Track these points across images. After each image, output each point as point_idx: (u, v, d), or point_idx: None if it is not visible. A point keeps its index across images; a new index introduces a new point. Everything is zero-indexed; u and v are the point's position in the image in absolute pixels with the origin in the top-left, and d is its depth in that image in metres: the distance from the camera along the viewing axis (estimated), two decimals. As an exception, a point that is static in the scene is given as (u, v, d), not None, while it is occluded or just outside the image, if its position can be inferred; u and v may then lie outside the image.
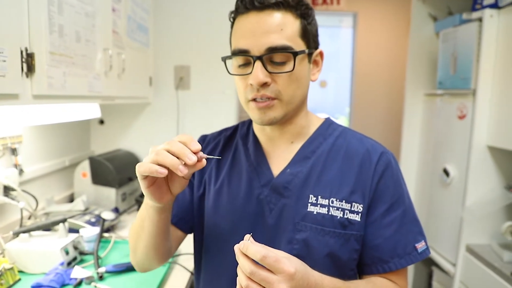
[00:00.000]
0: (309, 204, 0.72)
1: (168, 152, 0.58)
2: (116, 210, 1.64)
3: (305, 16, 0.71)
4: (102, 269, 1.14)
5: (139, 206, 1.75)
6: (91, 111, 1.51)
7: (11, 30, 0.85)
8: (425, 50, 2.30)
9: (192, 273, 1.22)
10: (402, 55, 3.18)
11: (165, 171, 0.58)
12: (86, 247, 1.29)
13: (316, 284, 0.59)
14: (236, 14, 0.73)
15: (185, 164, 0.58)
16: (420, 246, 0.74)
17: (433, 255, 2.09)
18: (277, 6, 0.68)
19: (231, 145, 0.86)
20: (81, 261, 1.23)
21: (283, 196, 0.75)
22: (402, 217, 0.73)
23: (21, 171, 1.38)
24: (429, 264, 2.23)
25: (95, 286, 1.07)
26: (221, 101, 1.98)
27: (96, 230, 1.33)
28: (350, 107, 3.51)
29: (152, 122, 2.02)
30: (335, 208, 0.71)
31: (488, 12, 1.70)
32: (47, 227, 1.23)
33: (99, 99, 1.36)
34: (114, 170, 1.68)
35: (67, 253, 1.17)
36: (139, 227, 0.76)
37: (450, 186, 1.97)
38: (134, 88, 1.69)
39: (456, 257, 1.87)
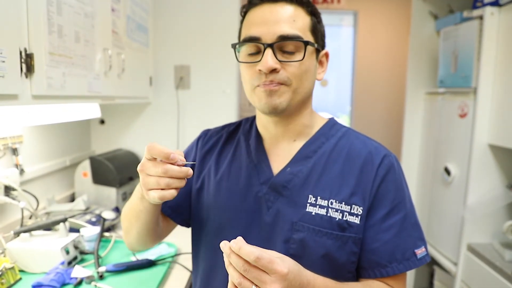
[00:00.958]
0: (308, 205, 0.72)
1: (167, 175, 0.60)
2: (116, 209, 1.64)
3: (315, 14, 0.74)
4: (102, 269, 1.14)
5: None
6: (91, 111, 1.51)
7: (10, 31, 0.85)
8: (426, 48, 2.29)
9: (192, 272, 1.23)
10: (402, 54, 3.17)
11: (175, 193, 0.62)
12: (87, 246, 1.29)
13: (309, 283, 0.59)
14: (249, 7, 0.74)
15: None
16: (420, 252, 0.73)
17: (435, 254, 2.09)
18: (290, 0, 0.71)
19: (233, 140, 0.86)
20: (82, 261, 1.24)
21: (281, 195, 0.74)
22: (402, 222, 0.72)
23: (22, 171, 1.38)
24: (431, 263, 2.23)
25: (96, 286, 1.08)
26: (222, 101, 1.98)
27: (97, 229, 1.34)
28: (351, 106, 3.50)
29: (153, 121, 2.02)
30: (334, 210, 0.70)
31: (489, 10, 1.69)
32: (48, 227, 1.23)
33: (99, 99, 1.36)
34: (114, 170, 1.69)
35: (67, 252, 1.18)
36: (132, 214, 0.78)
37: (451, 185, 1.97)
38: (134, 88, 1.70)
39: (457, 256, 1.87)
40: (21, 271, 1.13)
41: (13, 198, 1.27)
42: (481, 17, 1.74)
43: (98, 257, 1.21)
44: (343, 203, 0.71)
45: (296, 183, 0.74)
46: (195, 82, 1.98)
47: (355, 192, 0.71)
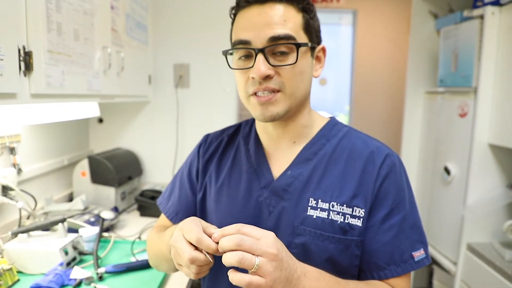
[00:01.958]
0: (309, 208, 0.70)
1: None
2: (115, 209, 1.63)
3: (307, 10, 0.70)
4: (101, 270, 1.13)
5: (139, 205, 1.74)
6: (90, 109, 1.50)
7: (9, 28, 0.83)
8: (426, 47, 2.29)
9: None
10: (402, 53, 3.17)
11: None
12: (86, 247, 1.28)
13: (297, 268, 0.60)
14: (237, 9, 0.71)
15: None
16: (418, 254, 0.71)
17: (434, 253, 2.09)
18: (279, 0, 0.67)
19: (233, 145, 0.85)
20: (81, 261, 1.22)
21: (282, 199, 0.73)
22: (401, 223, 0.70)
23: (19, 171, 1.36)
24: (430, 262, 2.23)
25: (95, 287, 1.06)
26: (221, 99, 1.97)
27: (96, 229, 1.32)
28: (350, 105, 3.50)
29: (152, 120, 2.00)
30: (336, 213, 0.69)
31: (489, 9, 1.69)
32: (46, 227, 1.21)
33: (98, 98, 1.35)
34: (113, 169, 1.67)
35: (66, 253, 1.16)
36: (161, 257, 0.79)
37: (451, 185, 1.96)
38: (133, 86, 1.68)
39: (457, 256, 1.87)
40: (19, 272, 1.12)
41: (11, 198, 1.26)
42: (481, 17, 1.74)
43: (97, 258, 1.20)
44: (345, 205, 0.69)
45: (297, 186, 0.72)
46: (195, 81, 1.97)
47: (356, 194, 0.70)
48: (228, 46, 0.74)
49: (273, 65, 0.66)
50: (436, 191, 2.13)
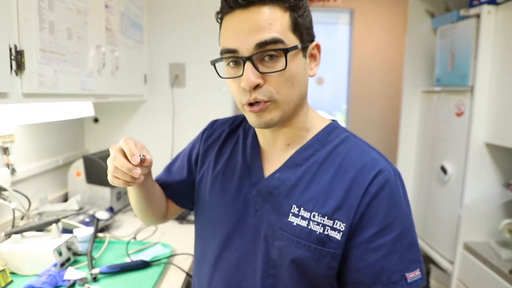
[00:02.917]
0: (290, 214, 0.69)
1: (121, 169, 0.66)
2: (110, 209, 1.62)
3: (295, 8, 0.66)
4: (96, 270, 1.12)
5: (135, 206, 1.73)
6: (85, 109, 1.48)
7: (0, 27, 0.82)
8: (423, 46, 2.29)
9: (187, 274, 1.21)
10: (399, 52, 3.17)
11: (123, 184, 0.69)
12: (80, 247, 1.26)
13: None
14: (222, 14, 0.69)
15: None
16: (412, 275, 0.66)
17: (431, 253, 2.09)
18: (262, 1, 0.63)
19: (234, 137, 0.85)
20: (75, 262, 1.21)
21: (267, 200, 0.72)
22: (393, 243, 0.65)
23: (13, 171, 1.35)
24: (427, 262, 2.23)
25: (89, 288, 1.05)
26: (217, 99, 1.96)
27: (90, 230, 1.31)
28: (347, 104, 3.50)
29: (147, 120, 1.99)
30: (316, 223, 0.67)
31: (486, 8, 1.69)
32: (40, 228, 1.20)
33: (92, 97, 1.34)
34: (108, 169, 1.66)
35: (60, 254, 1.15)
36: (129, 194, 0.86)
37: (447, 184, 1.96)
38: (128, 86, 1.67)
39: (453, 255, 1.87)
40: (12, 273, 1.11)
41: (4, 199, 1.24)
42: (478, 16, 1.74)
43: (91, 259, 1.19)
44: (326, 217, 0.66)
45: (282, 190, 0.71)
46: (191, 80, 1.96)
47: (340, 207, 0.66)
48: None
49: (262, 72, 0.64)
50: (432, 190, 2.13)
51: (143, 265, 1.20)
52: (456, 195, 1.87)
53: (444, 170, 1.97)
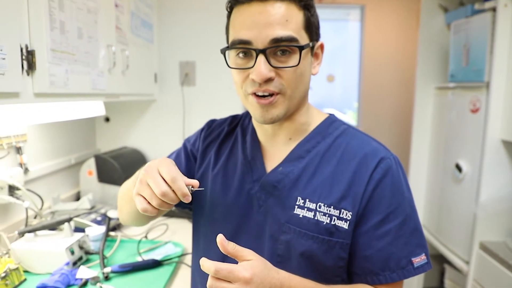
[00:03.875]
0: (296, 207, 0.69)
1: (163, 199, 0.60)
2: (122, 208, 1.62)
3: (308, 7, 0.68)
4: (107, 269, 1.12)
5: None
6: (96, 109, 1.49)
7: (11, 27, 0.82)
8: (436, 42, 2.24)
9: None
10: (411, 48, 3.11)
11: (156, 212, 0.62)
12: (92, 246, 1.27)
13: (282, 284, 0.60)
14: (235, 3, 0.69)
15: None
16: (418, 260, 0.68)
17: (446, 252, 2.05)
18: None
19: (232, 135, 0.85)
20: (87, 261, 1.22)
21: (272, 194, 0.72)
22: (398, 229, 0.67)
23: (26, 170, 1.37)
24: (442, 261, 2.19)
25: (101, 287, 1.06)
26: (227, 97, 1.96)
27: (102, 229, 1.32)
28: (358, 102, 3.45)
29: (158, 119, 2.00)
30: (322, 214, 0.67)
31: (502, 1, 1.64)
32: (53, 227, 1.21)
33: (103, 97, 1.34)
34: (120, 168, 1.67)
35: (72, 253, 1.16)
36: (126, 197, 0.81)
37: (462, 182, 1.92)
38: (139, 85, 1.67)
39: (469, 255, 1.83)
40: (25, 271, 1.12)
41: (17, 198, 1.26)
42: (493, 9, 1.69)
43: (103, 258, 1.19)
44: (332, 207, 0.67)
45: (286, 183, 0.71)
46: (201, 79, 1.96)
47: (345, 196, 0.68)
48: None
49: (274, 67, 0.64)
50: (447, 189, 2.08)
51: (155, 264, 1.20)
52: (472, 194, 1.83)
53: (459, 168, 1.92)
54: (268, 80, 0.65)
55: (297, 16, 0.65)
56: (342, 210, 0.67)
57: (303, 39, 0.66)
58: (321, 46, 0.74)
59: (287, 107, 0.68)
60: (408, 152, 2.41)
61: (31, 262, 1.13)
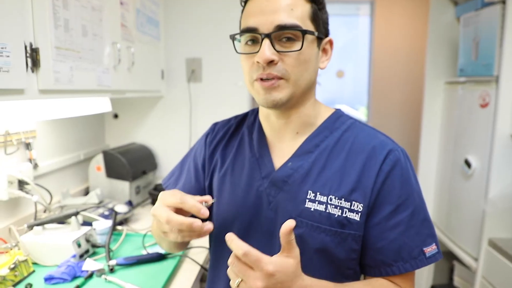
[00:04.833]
0: (307, 200, 0.70)
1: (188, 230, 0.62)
2: (129, 203, 1.65)
3: (316, 1, 0.70)
4: (113, 262, 1.15)
5: (153, 200, 1.77)
6: (102, 105, 1.52)
7: (15, 25, 0.85)
8: (446, 36, 2.20)
9: (201, 266, 1.22)
10: (421, 42, 3.06)
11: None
12: (99, 240, 1.30)
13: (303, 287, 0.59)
14: None
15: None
16: (430, 250, 0.69)
17: (454, 249, 2.03)
18: None
19: (238, 133, 0.85)
20: (93, 254, 1.25)
21: (282, 190, 0.73)
22: (409, 219, 0.69)
23: (35, 166, 1.40)
24: (451, 258, 2.16)
25: (106, 279, 1.08)
26: (234, 93, 1.96)
27: (109, 223, 1.35)
28: (368, 97, 3.42)
29: (165, 115, 2.02)
30: (333, 206, 0.68)
31: (512, -7, 1.60)
32: (60, 220, 1.25)
33: (109, 93, 1.37)
34: (127, 164, 1.70)
35: (79, 245, 1.19)
36: (159, 235, 0.79)
37: (472, 178, 1.89)
38: (145, 81, 1.70)
39: (478, 252, 1.80)
40: (34, 263, 1.15)
41: (27, 192, 1.29)
42: (503, 2, 1.65)
43: (109, 251, 1.22)
44: (343, 199, 0.69)
45: (296, 178, 0.72)
46: (207, 75, 1.97)
47: (356, 188, 0.69)
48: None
49: (278, 51, 0.66)
50: (456, 185, 2.05)
51: (159, 257, 1.22)
52: (481, 190, 1.80)
53: (468, 163, 1.90)
54: (271, 63, 0.66)
55: (303, 6, 0.68)
56: (353, 202, 0.68)
57: (309, 28, 0.68)
58: (330, 42, 0.75)
59: (291, 92, 0.69)
60: (418, 148, 2.38)
61: (39, 255, 1.17)
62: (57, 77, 1.01)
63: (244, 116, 0.88)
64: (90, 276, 1.10)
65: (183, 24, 1.93)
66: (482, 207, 1.77)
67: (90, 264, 1.14)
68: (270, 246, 0.71)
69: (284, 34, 0.66)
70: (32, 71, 0.92)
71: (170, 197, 0.63)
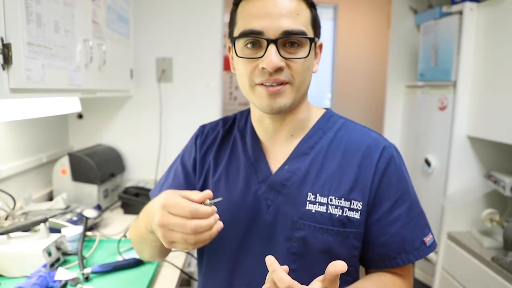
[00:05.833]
0: (307, 202, 0.70)
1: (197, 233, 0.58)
2: (98, 207, 1.58)
3: (314, 6, 0.71)
4: (87, 270, 1.09)
5: (122, 203, 1.70)
6: (71, 105, 1.44)
7: (-14, 19, 0.79)
8: (406, 42, 2.33)
9: (181, 271, 1.20)
10: (383, 47, 3.22)
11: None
12: (70, 247, 1.23)
13: None
14: None
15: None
16: (428, 239, 0.73)
17: (415, 243, 2.14)
18: None
19: (229, 138, 0.83)
20: (65, 262, 1.18)
21: (280, 193, 0.73)
22: (408, 212, 0.72)
23: (-4, 170, 1.30)
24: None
25: (82, 288, 1.03)
26: (205, 94, 1.94)
27: (79, 229, 1.28)
28: (331, 100, 3.53)
29: (134, 115, 1.96)
30: (334, 206, 0.70)
31: (468, 5, 1.73)
32: (27, 228, 1.17)
33: (79, 93, 1.30)
34: (95, 166, 1.62)
35: (49, 254, 1.12)
36: (143, 242, 0.76)
37: (431, 176, 2.02)
38: (115, 81, 1.63)
39: (438, 245, 1.93)
40: (-1, 275, 1.07)
41: (-12, 198, 1.20)
42: (460, 12, 1.78)
43: (82, 258, 1.16)
44: (343, 199, 0.70)
45: (294, 181, 0.72)
46: (178, 75, 1.93)
47: (354, 187, 0.70)
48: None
49: (284, 57, 0.66)
50: (417, 182, 2.18)
51: (136, 263, 1.18)
52: (440, 187, 1.92)
53: (428, 162, 2.02)
54: (278, 70, 0.66)
55: (305, 12, 0.68)
56: (353, 201, 0.70)
57: (310, 34, 0.69)
58: (320, 46, 0.76)
59: (294, 97, 0.69)
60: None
61: (5, 265, 1.08)
62: (28, 75, 0.94)
63: (233, 119, 0.86)
64: (64, 286, 1.03)
65: (153, 23, 1.88)
66: (441, 203, 1.89)
67: (63, 274, 1.07)
68: (268, 249, 0.71)
69: (289, 40, 0.66)
70: (3, 68, 0.86)
71: (177, 207, 0.57)
